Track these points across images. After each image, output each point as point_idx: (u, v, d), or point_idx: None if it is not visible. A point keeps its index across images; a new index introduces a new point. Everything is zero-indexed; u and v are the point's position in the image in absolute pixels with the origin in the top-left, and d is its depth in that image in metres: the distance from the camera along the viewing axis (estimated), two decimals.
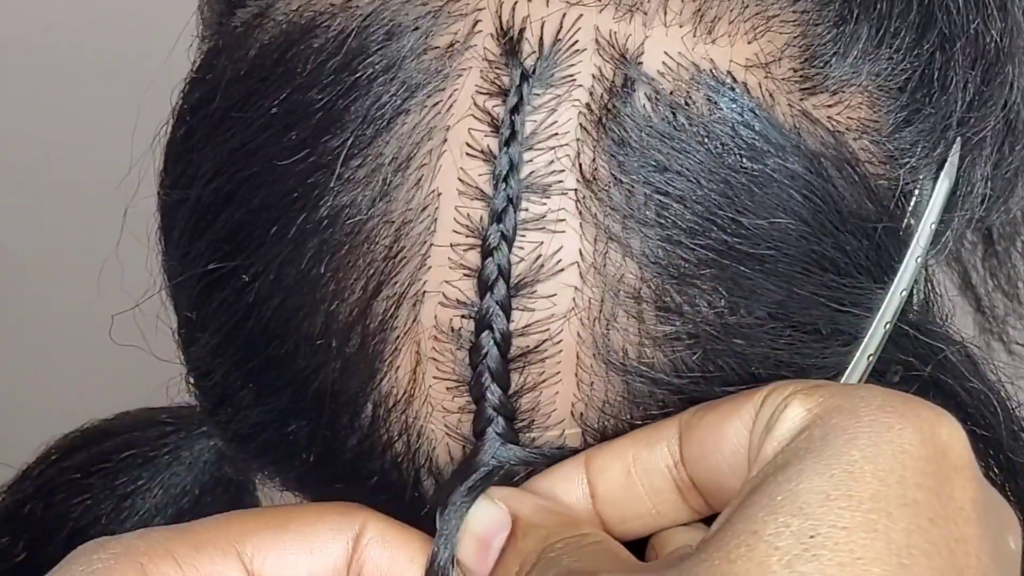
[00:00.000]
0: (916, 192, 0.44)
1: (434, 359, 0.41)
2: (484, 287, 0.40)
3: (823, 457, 0.36)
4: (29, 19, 1.12)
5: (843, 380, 0.43)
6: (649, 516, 0.41)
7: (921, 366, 0.45)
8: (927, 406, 0.37)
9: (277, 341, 0.42)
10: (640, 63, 0.40)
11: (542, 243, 0.40)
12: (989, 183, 0.46)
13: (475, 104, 0.40)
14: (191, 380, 0.46)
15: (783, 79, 0.41)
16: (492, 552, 0.40)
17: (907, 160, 0.43)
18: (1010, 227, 0.58)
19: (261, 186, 0.42)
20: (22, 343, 1.11)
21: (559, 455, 0.42)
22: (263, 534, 0.42)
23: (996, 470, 0.47)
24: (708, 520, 0.41)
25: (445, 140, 0.40)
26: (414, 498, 0.43)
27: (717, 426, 0.39)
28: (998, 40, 0.45)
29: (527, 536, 0.39)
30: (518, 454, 0.41)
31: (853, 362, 0.43)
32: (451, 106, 0.40)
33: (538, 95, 0.40)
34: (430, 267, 0.40)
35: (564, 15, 0.40)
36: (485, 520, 0.40)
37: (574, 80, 0.40)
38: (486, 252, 0.40)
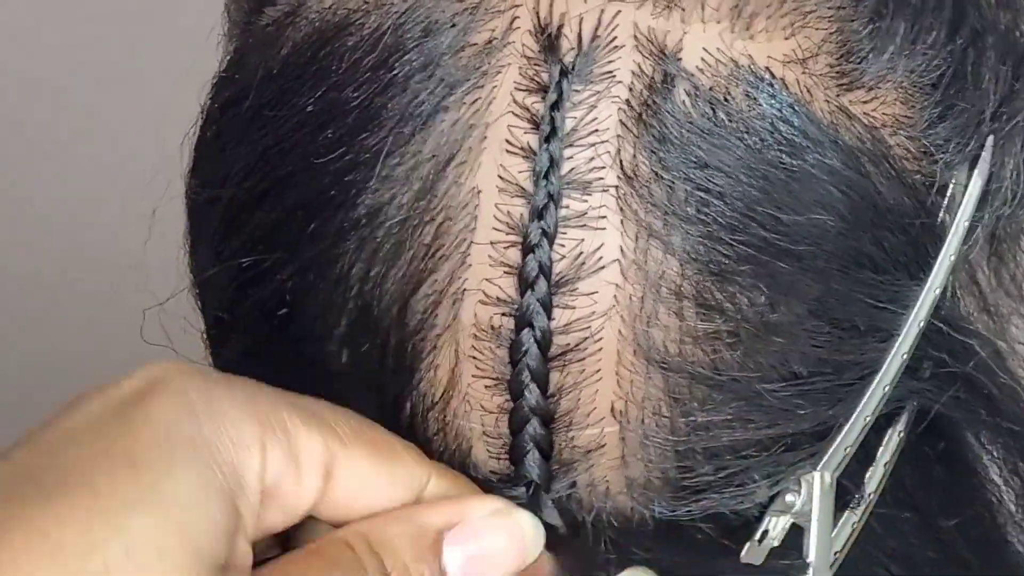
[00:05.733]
0: (950, 188, 0.44)
1: (473, 357, 0.41)
2: (525, 285, 0.40)
3: None
4: (57, 18, 1.11)
5: (878, 378, 0.43)
6: None
7: (952, 362, 0.45)
8: None
9: (313, 341, 0.42)
10: (679, 59, 0.40)
11: (583, 240, 0.40)
12: (1020, 180, 0.46)
13: (514, 101, 0.40)
14: None
15: (820, 75, 0.41)
16: None
17: (941, 156, 0.43)
18: (1014, 227, 0.58)
19: (297, 185, 0.42)
20: (47, 344, 1.11)
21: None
22: (359, 450, 0.40)
23: (1023, 467, 0.48)
24: None
25: (485, 137, 0.40)
26: None
27: None
28: None
29: None
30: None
31: (888, 359, 0.43)
32: (490, 103, 0.40)
33: (578, 91, 0.40)
34: (470, 265, 0.40)
35: (602, 11, 0.40)
36: None
37: (613, 76, 0.40)
38: (527, 249, 0.40)
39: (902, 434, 0.46)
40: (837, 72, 0.41)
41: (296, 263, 0.42)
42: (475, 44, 0.40)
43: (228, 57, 0.46)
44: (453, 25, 0.41)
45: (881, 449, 0.45)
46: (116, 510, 0.35)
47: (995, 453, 0.48)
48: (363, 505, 0.40)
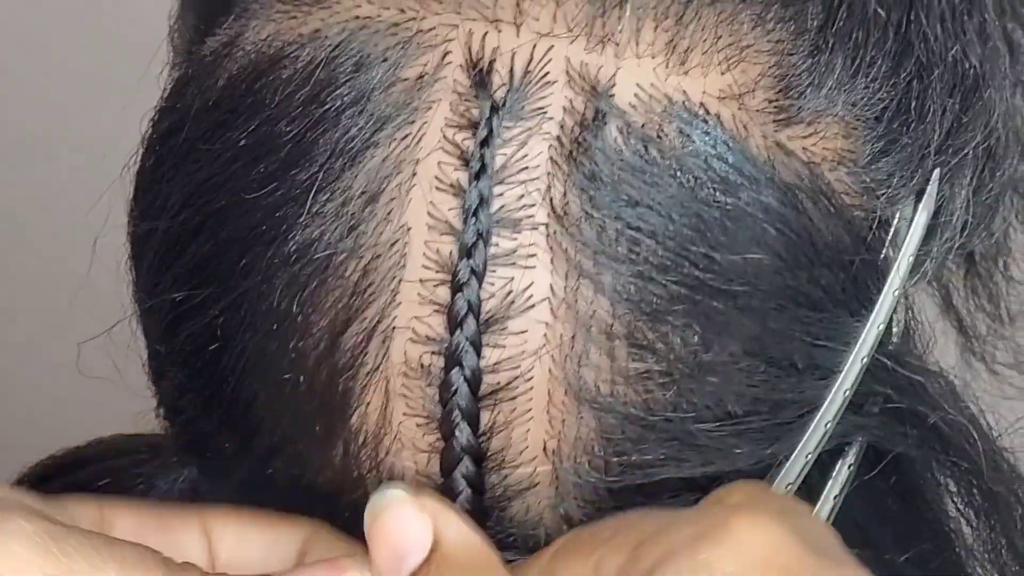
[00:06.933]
0: (894, 222, 0.43)
1: (404, 396, 0.40)
2: (454, 323, 0.40)
3: None
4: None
5: (818, 416, 0.42)
6: None
7: (899, 398, 0.44)
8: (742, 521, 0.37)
9: (246, 376, 0.42)
10: (611, 95, 0.39)
11: (512, 279, 0.39)
12: (970, 209, 0.46)
13: (444, 137, 0.40)
14: (162, 413, 0.46)
15: (757, 110, 0.40)
16: (405, 568, 0.39)
17: (884, 191, 0.43)
18: (993, 248, 0.58)
19: (229, 219, 0.41)
20: None
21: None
22: (228, 515, 0.42)
23: (978, 500, 0.47)
24: None
25: (414, 174, 0.40)
26: None
27: None
28: (977, 66, 0.44)
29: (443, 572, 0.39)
30: None
31: (829, 397, 0.42)
32: (420, 139, 0.40)
33: (508, 128, 0.39)
34: (399, 302, 0.40)
35: (535, 46, 0.40)
36: (403, 530, 0.39)
37: (544, 113, 0.39)
38: (456, 288, 0.39)
39: (852, 467, 0.45)
40: (775, 107, 0.41)
41: (227, 298, 0.41)
42: (407, 79, 0.40)
43: (170, 86, 0.46)
44: (385, 60, 0.40)
45: (830, 483, 0.45)
46: None
47: (950, 487, 0.47)
48: None
